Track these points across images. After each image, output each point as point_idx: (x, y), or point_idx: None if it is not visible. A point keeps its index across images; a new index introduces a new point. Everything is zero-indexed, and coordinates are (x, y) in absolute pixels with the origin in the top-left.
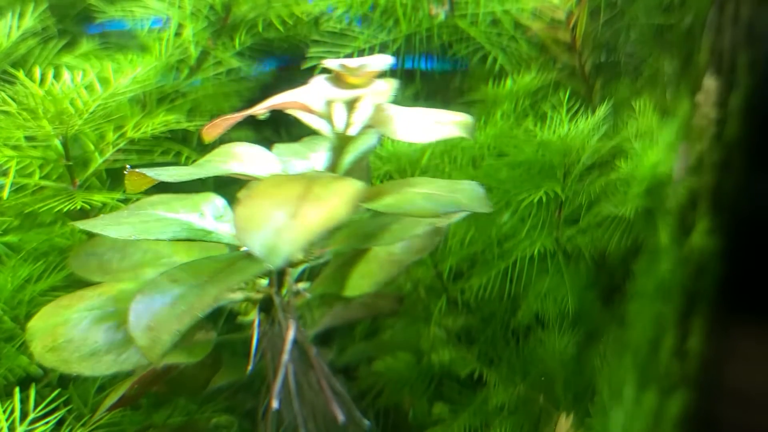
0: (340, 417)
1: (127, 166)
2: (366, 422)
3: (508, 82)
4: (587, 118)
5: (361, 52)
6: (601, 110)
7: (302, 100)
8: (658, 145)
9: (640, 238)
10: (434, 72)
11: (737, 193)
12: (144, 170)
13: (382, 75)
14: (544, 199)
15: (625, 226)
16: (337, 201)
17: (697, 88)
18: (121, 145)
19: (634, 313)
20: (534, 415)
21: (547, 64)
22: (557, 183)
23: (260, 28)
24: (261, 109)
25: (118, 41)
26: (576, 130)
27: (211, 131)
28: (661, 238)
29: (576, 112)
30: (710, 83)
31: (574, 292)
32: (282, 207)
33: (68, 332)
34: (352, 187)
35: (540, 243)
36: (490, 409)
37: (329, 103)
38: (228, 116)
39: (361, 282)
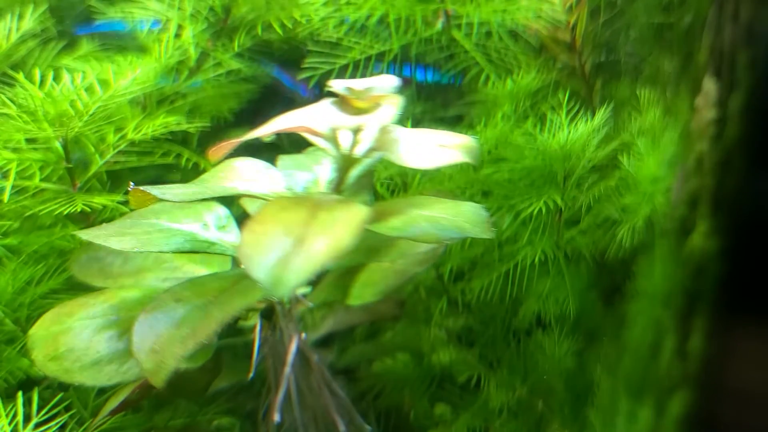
0: (341, 427)
1: (131, 183)
2: (367, 427)
3: (509, 82)
4: (587, 121)
5: (356, 63)
6: (601, 113)
7: (308, 124)
8: (659, 148)
9: (641, 239)
10: (434, 79)
11: (738, 193)
12: (149, 188)
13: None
14: (543, 210)
15: (625, 227)
16: (342, 230)
17: (697, 87)
18: (122, 146)
19: (635, 313)
20: (534, 420)
21: (547, 64)
22: (557, 187)
23: (259, 30)
24: (266, 132)
25: (118, 43)
26: (575, 134)
27: (216, 153)
28: (661, 239)
29: (576, 112)
30: (710, 83)
31: (575, 293)
32: (287, 237)
33: (70, 341)
34: (358, 214)
35: (541, 247)
36: (490, 411)
37: (334, 128)
38: (233, 140)
39: (364, 291)
